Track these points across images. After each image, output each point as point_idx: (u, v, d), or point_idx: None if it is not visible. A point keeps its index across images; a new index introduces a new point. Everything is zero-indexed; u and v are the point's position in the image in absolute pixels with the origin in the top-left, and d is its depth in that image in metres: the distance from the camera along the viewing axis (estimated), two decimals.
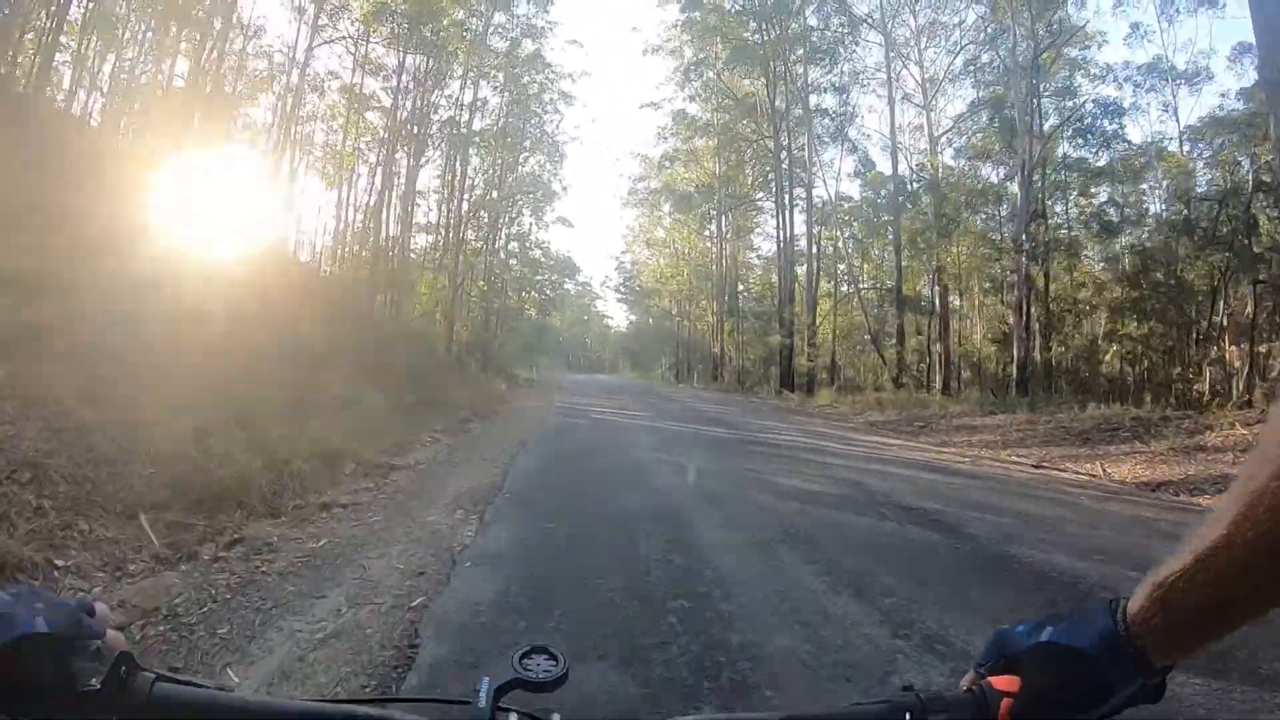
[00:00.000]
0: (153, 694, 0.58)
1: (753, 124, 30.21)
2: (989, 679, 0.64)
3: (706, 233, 40.36)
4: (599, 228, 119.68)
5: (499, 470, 7.28)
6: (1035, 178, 21.45)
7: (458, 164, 28.60)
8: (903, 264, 24.03)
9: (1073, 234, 22.92)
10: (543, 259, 43.88)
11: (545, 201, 39.01)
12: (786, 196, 28.67)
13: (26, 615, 0.55)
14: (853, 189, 29.17)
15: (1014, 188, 23.38)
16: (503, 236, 35.74)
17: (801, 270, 29.96)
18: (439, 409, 13.11)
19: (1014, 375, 19.57)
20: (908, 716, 0.62)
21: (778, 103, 28.66)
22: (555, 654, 0.67)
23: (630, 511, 5.50)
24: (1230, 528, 0.54)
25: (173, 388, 6.24)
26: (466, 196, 29.01)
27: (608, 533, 4.88)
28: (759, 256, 40.51)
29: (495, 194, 31.04)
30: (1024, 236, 19.83)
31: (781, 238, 29.00)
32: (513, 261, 38.57)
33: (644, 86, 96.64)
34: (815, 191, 28.81)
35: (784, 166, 28.52)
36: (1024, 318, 18.64)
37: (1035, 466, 9.99)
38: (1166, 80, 22.76)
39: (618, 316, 76.14)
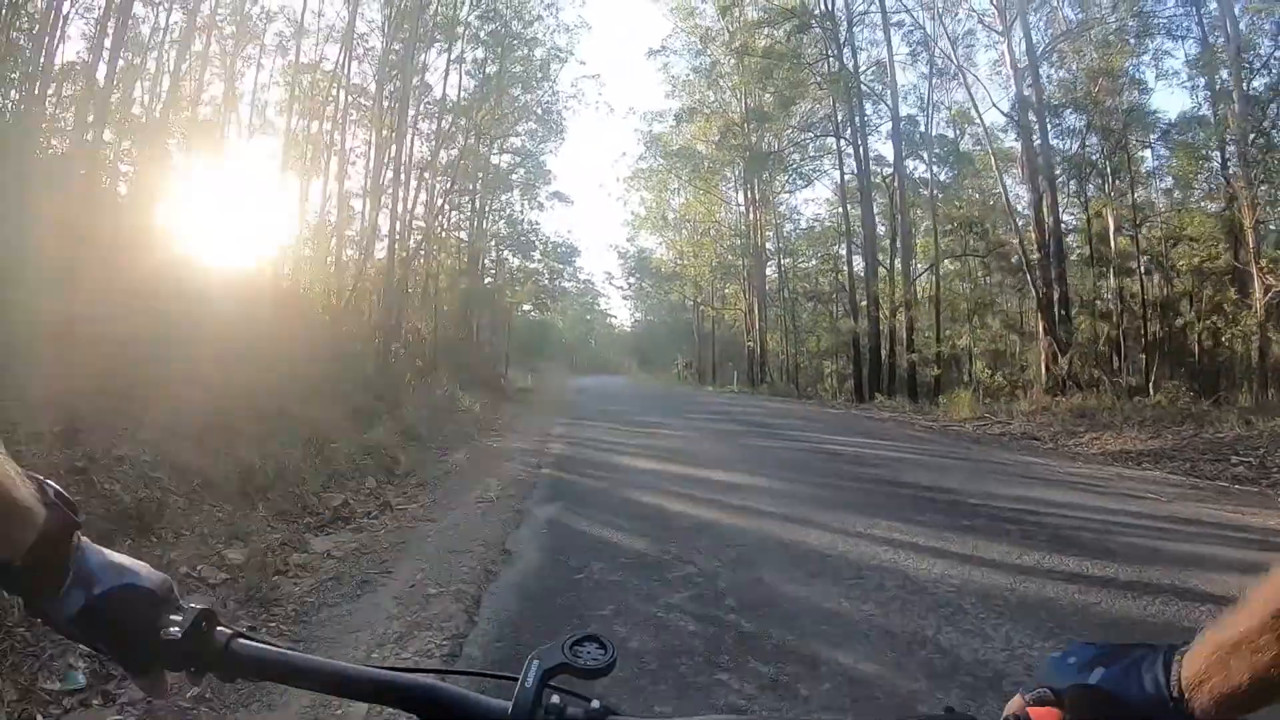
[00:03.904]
0: (229, 649, 0.63)
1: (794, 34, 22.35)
2: (1029, 709, 0.60)
3: (735, 202, 32.57)
4: (600, 217, 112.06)
5: None
6: None
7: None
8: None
9: None
10: (535, 241, 36.40)
11: (537, 179, 32.60)
12: (858, 118, 20.79)
13: (130, 569, 0.65)
14: (884, 149, 21.56)
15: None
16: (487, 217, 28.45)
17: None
18: (291, 482, 5.56)
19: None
20: None
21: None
22: (605, 643, 0.63)
23: None
24: None
25: None
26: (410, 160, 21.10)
27: None
28: (802, 223, 32.52)
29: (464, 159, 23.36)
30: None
31: (857, 182, 21.12)
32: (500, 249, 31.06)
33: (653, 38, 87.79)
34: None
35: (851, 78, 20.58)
36: None
37: None
38: None
39: (622, 314, 69.14)
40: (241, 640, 0.63)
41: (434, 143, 21.88)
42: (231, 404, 6.44)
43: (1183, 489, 6.62)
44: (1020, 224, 17.27)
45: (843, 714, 2.46)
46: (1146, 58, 17.54)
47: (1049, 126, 16.93)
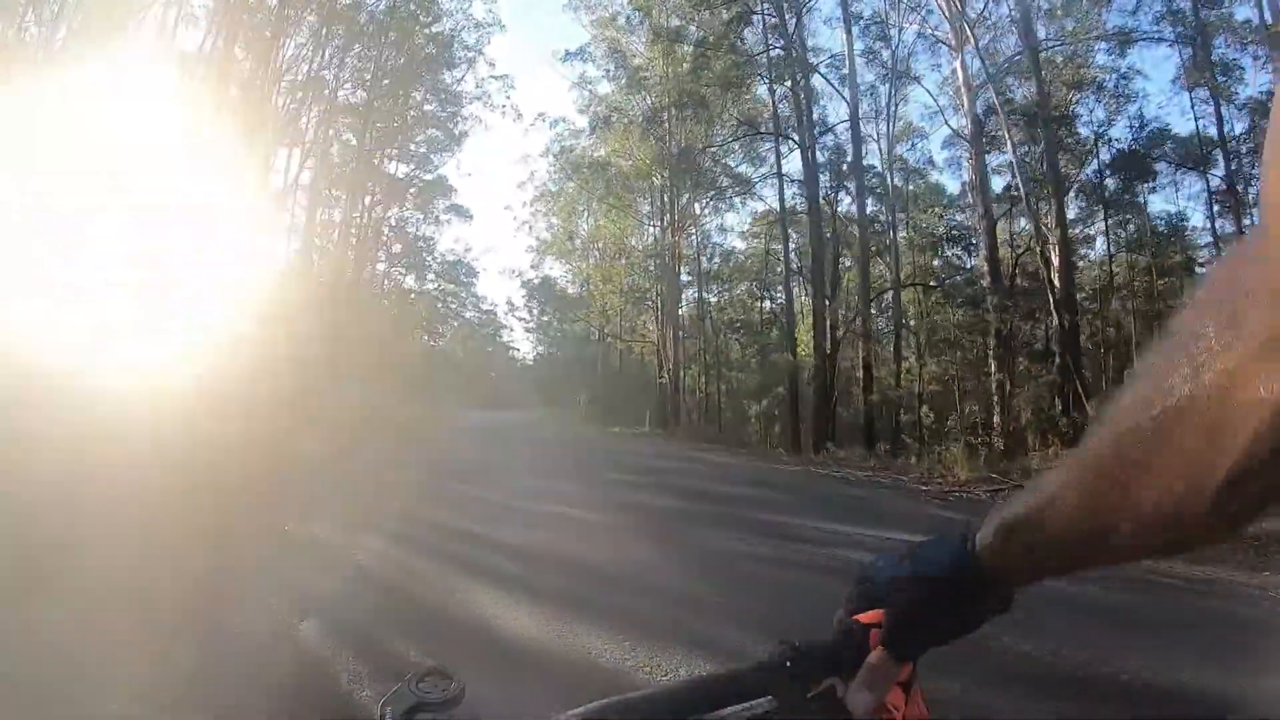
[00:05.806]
0: None
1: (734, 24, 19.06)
2: (855, 617, 0.64)
3: (651, 224, 29.12)
4: (504, 243, 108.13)
5: None
6: None
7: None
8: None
9: None
10: (429, 260, 32.62)
11: (434, 191, 29.50)
12: (806, 117, 17.51)
13: None
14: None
15: None
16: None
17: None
18: None
19: None
20: (787, 665, 0.62)
21: None
22: (445, 672, 0.63)
23: None
24: (1070, 479, 0.51)
25: None
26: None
27: None
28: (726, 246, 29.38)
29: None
30: None
31: (804, 192, 17.77)
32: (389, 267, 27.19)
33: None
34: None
35: (799, 77, 17.37)
36: None
37: None
38: None
39: (525, 347, 64.57)
40: None
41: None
42: None
43: None
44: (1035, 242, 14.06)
45: None
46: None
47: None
